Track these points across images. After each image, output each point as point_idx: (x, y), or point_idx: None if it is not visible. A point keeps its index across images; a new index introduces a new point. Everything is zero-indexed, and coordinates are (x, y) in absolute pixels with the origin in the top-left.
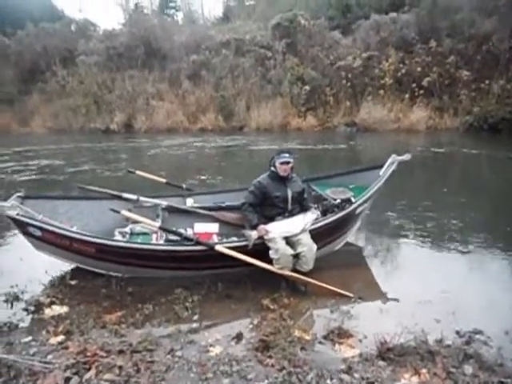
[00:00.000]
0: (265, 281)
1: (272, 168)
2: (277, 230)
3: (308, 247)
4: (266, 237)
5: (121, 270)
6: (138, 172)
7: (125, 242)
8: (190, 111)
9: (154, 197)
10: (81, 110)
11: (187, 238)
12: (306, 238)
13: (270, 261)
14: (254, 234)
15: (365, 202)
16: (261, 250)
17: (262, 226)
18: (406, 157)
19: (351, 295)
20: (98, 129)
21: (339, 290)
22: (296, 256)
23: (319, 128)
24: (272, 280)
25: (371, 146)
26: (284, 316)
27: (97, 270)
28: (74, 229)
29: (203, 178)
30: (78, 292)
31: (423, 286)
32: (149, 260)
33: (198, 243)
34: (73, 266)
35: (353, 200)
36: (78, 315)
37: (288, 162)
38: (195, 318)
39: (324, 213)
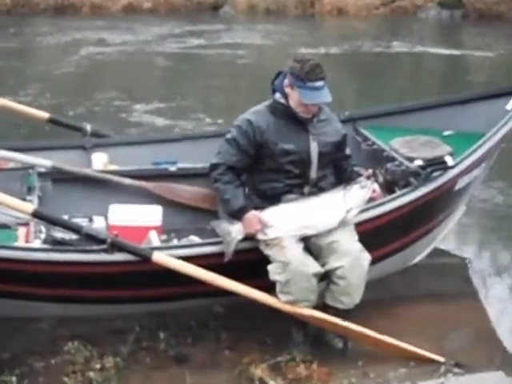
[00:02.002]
0: (259, 325)
1: (278, 96)
2: (286, 224)
3: (351, 259)
4: (262, 237)
5: None
6: None
7: None
8: None
9: (22, 149)
10: None
11: (93, 237)
12: (348, 241)
13: (269, 285)
14: (236, 231)
15: (476, 165)
16: (251, 263)
17: (253, 214)
18: None
19: (440, 359)
20: None
21: (414, 349)
22: (326, 278)
23: (384, 11)
24: (275, 324)
25: (495, 53)
26: None
27: None
28: None
29: (132, 110)
30: None
31: None
32: (9, 281)
33: (115, 247)
34: None
35: (450, 162)
36: None
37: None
38: None
39: (388, 187)
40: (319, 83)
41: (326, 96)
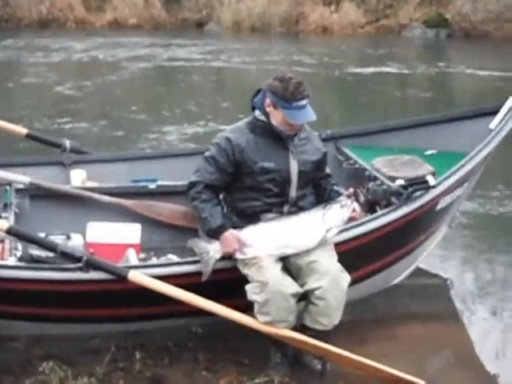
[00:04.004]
0: (237, 346)
1: (258, 113)
2: (264, 243)
3: (331, 279)
4: (240, 256)
5: None
6: None
7: None
8: None
9: None
10: None
11: (68, 255)
12: (328, 261)
13: (247, 305)
14: (214, 250)
15: (458, 185)
16: (229, 282)
17: (232, 233)
18: None
19: (420, 382)
20: None
21: (394, 371)
22: (304, 298)
23: (369, 29)
24: (253, 345)
25: (480, 72)
26: None
27: None
28: None
29: (110, 125)
30: None
31: None
32: None
33: (91, 266)
34: None
35: (432, 181)
36: None
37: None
38: None
39: (370, 207)
40: (304, 102)
41: (311, 115)
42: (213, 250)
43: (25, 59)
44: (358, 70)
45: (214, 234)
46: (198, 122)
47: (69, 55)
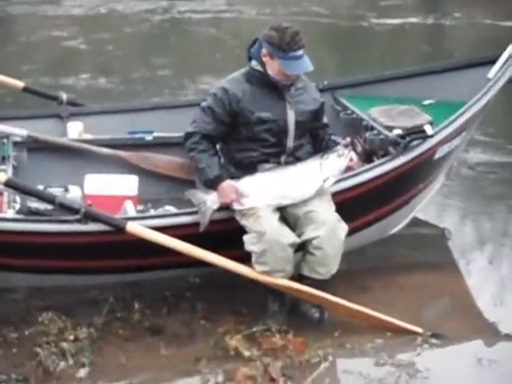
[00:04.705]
0: (235, 296)
1: (254, 63)
2: (262, 194)
3: (328, 229)
4: (237, 206)
5: None
6: None
7: None
8: None
9: None
10: None
11: (67, 207)
12: (325, 211)
13: (244, 255)
14: (211, 201)
15: (456, 134)
16: (227, 233)
17: (229, 184)
18: None
19: (418, 330)
20: None
21: (392, 320)
22: (302, 248)
23: None
24: (250, 294)
25: (477, 23)
26: (274, 374)
27: None
28: None
29: (125, 80)
30: None
31: None
32: None
33: (89, 217)
34: None
35: (429, 131)
36: None
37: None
38: (80, 375)
39: (367, 157)
40: (300, 52)
41: (308, 65)
42: (210, 201)
43: (43, 12)
44: (354, 20)
45: (212, 184)
46: (217, 75)
47: (84, 8)
